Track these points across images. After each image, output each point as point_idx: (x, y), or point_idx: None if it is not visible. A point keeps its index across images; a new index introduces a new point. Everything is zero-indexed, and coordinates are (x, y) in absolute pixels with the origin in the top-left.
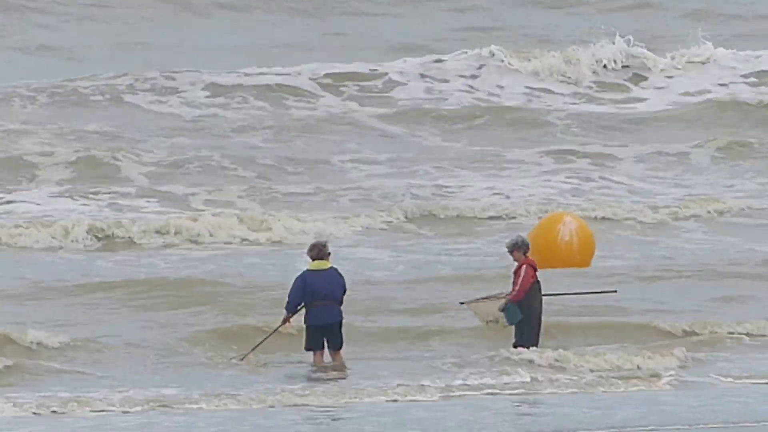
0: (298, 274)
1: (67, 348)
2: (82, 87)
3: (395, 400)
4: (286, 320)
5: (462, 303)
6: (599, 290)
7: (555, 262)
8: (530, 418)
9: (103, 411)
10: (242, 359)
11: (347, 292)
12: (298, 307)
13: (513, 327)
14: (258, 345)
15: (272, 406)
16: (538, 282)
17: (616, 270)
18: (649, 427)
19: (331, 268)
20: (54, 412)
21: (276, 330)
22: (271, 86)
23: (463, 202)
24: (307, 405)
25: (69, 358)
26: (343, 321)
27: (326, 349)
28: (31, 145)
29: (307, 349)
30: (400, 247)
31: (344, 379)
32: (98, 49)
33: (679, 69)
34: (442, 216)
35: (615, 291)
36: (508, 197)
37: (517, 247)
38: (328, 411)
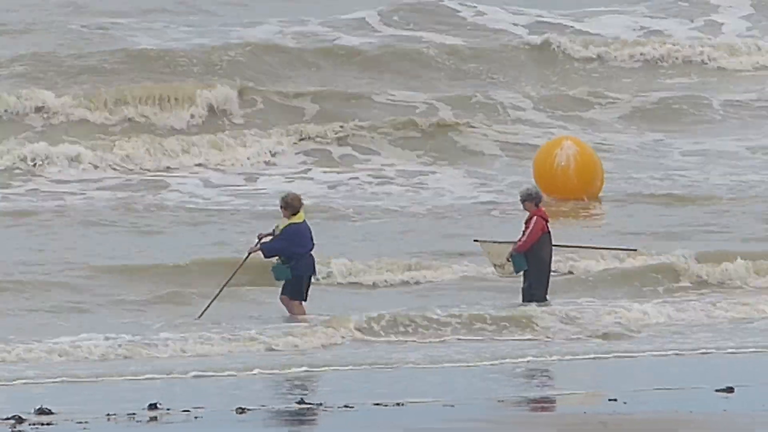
0: (286, 226)
1: None
2: None
3: None
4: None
5: (476, 241)
6: (616, 247)
7: (553, 189)
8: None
9: None
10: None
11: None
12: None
13: (522, 275)
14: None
15: None
16: (549, 233)
17: None
18: None
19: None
20: None
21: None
22: None
23: None
24: None
25: None
26: None
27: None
28: None
29: (292, 298)
30: None
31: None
32: None
33: None
34: None
35: (635, 249)
36: None
37: (530, 199)
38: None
